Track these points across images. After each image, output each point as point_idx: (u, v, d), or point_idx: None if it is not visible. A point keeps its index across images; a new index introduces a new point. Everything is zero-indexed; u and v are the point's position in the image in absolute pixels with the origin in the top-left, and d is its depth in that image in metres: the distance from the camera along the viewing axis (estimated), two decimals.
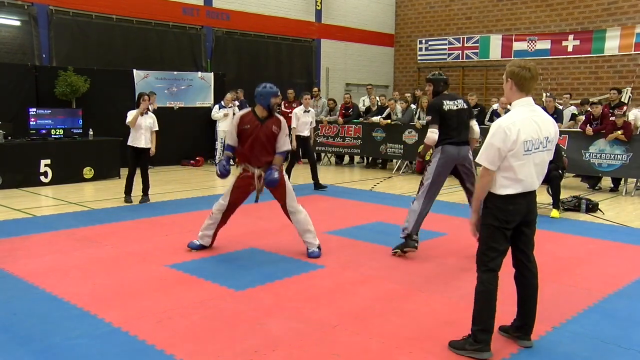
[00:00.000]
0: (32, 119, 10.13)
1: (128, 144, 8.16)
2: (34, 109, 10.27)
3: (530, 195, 3.34)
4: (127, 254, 5.50)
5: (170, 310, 4.03)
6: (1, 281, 4.64)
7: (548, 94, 12.40)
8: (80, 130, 10.64)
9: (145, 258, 5.34)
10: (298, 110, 9.80)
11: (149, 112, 8.29)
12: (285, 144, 5.42)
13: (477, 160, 3.34)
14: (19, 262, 5.13)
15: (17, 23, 12.48)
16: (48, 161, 9.78)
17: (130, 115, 8.09)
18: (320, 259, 5.35)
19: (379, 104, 13.32)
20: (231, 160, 5.61)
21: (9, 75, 11.07)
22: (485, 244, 3.34)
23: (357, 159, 14.26)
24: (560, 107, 11.25)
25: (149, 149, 8.18)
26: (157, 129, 8.32)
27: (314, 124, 10.37)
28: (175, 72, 13.36)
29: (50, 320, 3.82)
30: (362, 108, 14.11)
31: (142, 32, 14.25)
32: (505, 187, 3.26)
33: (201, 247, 5.57)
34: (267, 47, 17.03)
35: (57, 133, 10.37)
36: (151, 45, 14.38)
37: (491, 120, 11.56)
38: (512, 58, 17.21)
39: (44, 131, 10.24)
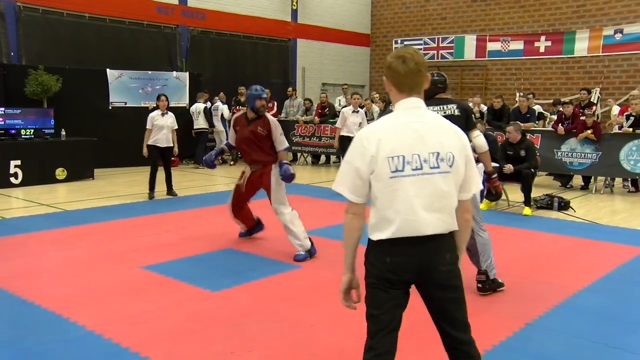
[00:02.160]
0: (1, 119, 9.92)
1: (149, 143, 8.59)
2: (3, 109, 10.06)
3: (424, 243, 2.19)
4: (100, 255, 5.43)
5: (145, 312, 3.99)
6: None
7: (521, 93, 12.63)
8: (52, 131, 10.45)
9: (120, 260, 5.28)
10: (346, 110, 9.51)
11: (168, 112, 8.76)
12: (281, 142, 5.58)
13: (333, 187, 2.33)
14: None
15: None
16: (18, 162, 9.58)
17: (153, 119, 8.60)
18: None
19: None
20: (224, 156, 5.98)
21: None
22: (366, 312, 2.38)
23: (333, 158, 14.28)
24: (534, 107, 11.44)
25: (172, 147, 8.75)
26: (176, 127, 8.92)
27: (365, 125, 9.91)
28: (150, 72, 13.22)
29: (21, 325, 3.75)
30: (338, 108, 14.13)
31: (115, 30, 14.05)
32: (375, 229, 2.25)
33: (248, 233, 6.14)
34: (243, 47, 16.95)
35: (28, 133, 10.17)
36: (125, 45, 14.18)
37: None
38: (487, 58, 17.48)
39: (13, 131, 10.03)
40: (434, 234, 2.19)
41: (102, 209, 7.77)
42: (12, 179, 9.52)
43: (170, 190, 8.96)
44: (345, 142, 9.48)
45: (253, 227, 6.14)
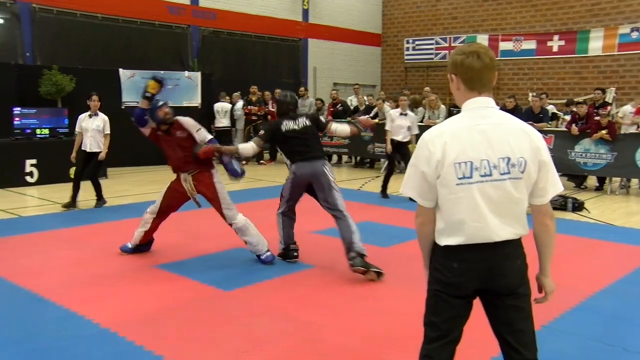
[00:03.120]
0: (17, 119, 10.02)
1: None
2: (19, 108, 10.15)
3: (493, 250, 2.10)
4: (114, 254, 5.46)
5: (158, 310, 4.01)
6: None
7: (534, 93, 12.53)
8: (67, 130, 10.53)
9: (133, 258, 5.31)
10: (393, 112, 9.10)
11: (99, 114, 7.93)
12: (204, 135, 5.22)
13: (401, 190, 2.27)
14: (4, 263, 5.07)
15: (0, 21, 12.32)
16: (34, 161, 9.67)
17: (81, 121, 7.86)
18: (309, 259, 5.34)
19: (367, 103, 13.34)
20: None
21: None
22: (425, 317, 2.28)
23: (345, 158, 14.27)
24: (547, 107, 11.35)
25: (98, 153, 7.85)
26: (108, 131, 7.96)
27: (415, 130, 8.99)
28: (161, 72, 13.24)
29: (37, 322, 3.79)
30: (351, 105, 14.13)
31: (127, 31, 14.14)
32: (443, 235, 2.15)
33: (133, 250, 5.38)
34: (254, 47, 16.98)
35: (43, 133, 10.26)
36: (137, 45, 14.27)
37: None
38: (499, 58, 17.38)
39: (28, 131, 10.12)
40: (503, 241, 2.09)
41: (114, 208, 7.82)
42: (28, 178, 9.61)
43: (99, 199, 8.05)
44: (392, 145, 8.98)
45: (146, 243, 5.49)
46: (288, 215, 5.54)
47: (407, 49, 19.71)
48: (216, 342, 3.50)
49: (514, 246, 2.14)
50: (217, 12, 15.88)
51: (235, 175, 5.21)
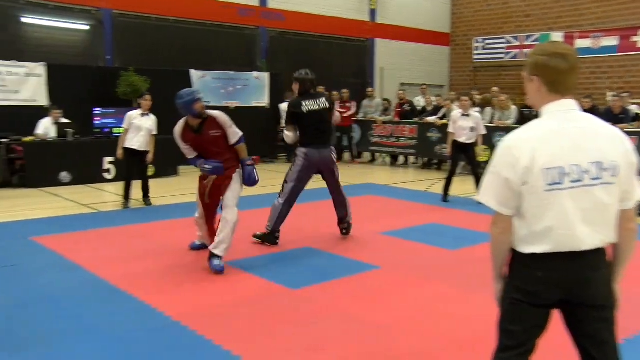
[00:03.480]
0: (97, 118, 10.54)
1: (125, 146, 7.81)
2: (99, 109, 10.68)
3: (581, 258, 2.00)
4: (185, 250, 5.64)
5: (228, 306, 4.10)
6: (71, 273, 4.85)
7: (613, 93, 11.93)
8: None
9: (203, 254, 5.45)
10: (455, 114, 8.86)
11: (150, 114, 7.99)
12: (234, 135, 5.08)
13: (479, 198, 2.14)
14: (85, 255, 5.35)
15: (86, 27, 13.03)
16: (111, 159, 10.14)
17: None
18: (376, 260, 5.31)
19: (435, 104, 13.14)
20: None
21: (77, 76, 11.59)
22: (501, 324, 2.20)
23: (412, 159, 14.11)
24: (630, 107, 10.78)
25: (147, 152, 7.87)
26: (156, 132, 8.00)
27: (482, 131, 8.67)
28: (231, 72, 13.60)
29: (113, 312, 3.96)
30: (418, 106, 13.96)
31: (199, 33, 14.58)
32: (527, 242, 2.05)
33: (203, 246, 5.43)
34: (321, 47, 17.08)
35: (120, 131, 10.71)
36: (208, 46, 14.68)
37: None
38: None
39: (107, 130, 10.62)
40: (591, 249, 2.00)
41: (185, 205, 8.06)
42: (106, 175, 10.10)
43: (145, 197, 8.12)
44: (454, 148, 8.70)
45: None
46: (289, 204, 5.71)
47: (477, 48, 19.25)
48: (283, 340, 3.55)
49: (601, 255, 2.04)
50: (285, 13, 16.09)
51: (251, 181, 5.13)
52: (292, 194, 5.73)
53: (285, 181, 5.76)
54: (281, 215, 5.70)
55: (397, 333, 3.66)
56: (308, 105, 5.65)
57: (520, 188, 1.99)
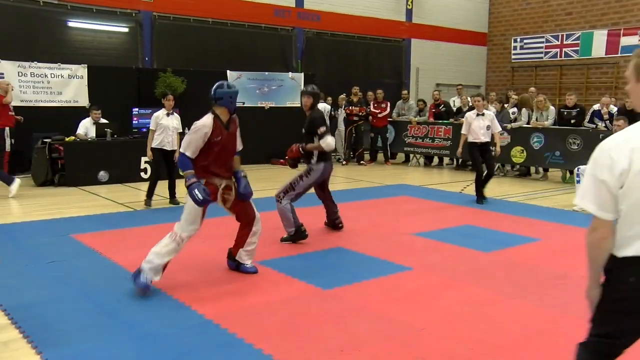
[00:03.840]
0: (135, 118, 10.77)
1: (153, 146, 7.83)
2: (137, 109, 10.91)
3: None
4: (217, 249, 5.70)
5: (260, 305, 4.14)
6: (107, 270, 4.98)
7: None
8: (179, 130, 11.15)
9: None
10: (469, 115, 8.83)
11: (174, 113, 8.06)
12: (240, 142, 4.86)
13: (577, 202, 2.12)
14: (122, 253, 5.47)
15: (126, 30, 13.36)
16: (147, 158, 10.33)
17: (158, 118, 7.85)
18: (407, 261, 5.28)
19: (471, 104, 12.95)
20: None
21: (116, 77, 11.93)
22: (592, 329, 2.17)
23: (446, 160, 13.96)
24: None
25: (175, 151, 7.74)
26: (181, 130, 8.00)
27: (497, 128, 8.72)
28: (266, 73, 13.71)
29: (148, 309, 4.04)
30: (454, 108, 13.81)
31: (235, 33, 14.75)
32: (620, 246, 2.02)
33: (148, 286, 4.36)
34: (357, 48, 17.06)
35: None
36: (244, 47, 14.85)
37: (591, 121, 10.93)
38: (619, 55, 16.20)
39: (144, 130, 10.83)
40: None
41: (217, 205, 8.16)
42: (142, 174, 10.30)
43: (172, 198, 8.21)
44: (471, 149, 8.66)
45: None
46: (292, 203, 5.94)
47: (515, 47, 18.93)
48: (314, 339, 3.56)
49: None
50: (321, 14, 16.13)
51: (248, 193, 4.81)
52: (296, 198, 6.01)
53: (293, 189, 5.95)
54: (293, 211, 5.92)
55: (432, 336, 3.63)
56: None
57: (617, 191, 1.96)
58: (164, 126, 7.81)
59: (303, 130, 6.11)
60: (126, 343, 3.48)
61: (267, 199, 8.70)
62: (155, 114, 7.90)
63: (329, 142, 5.89)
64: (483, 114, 8.64)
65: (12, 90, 9.70)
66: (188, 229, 4.52)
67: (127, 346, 3.43)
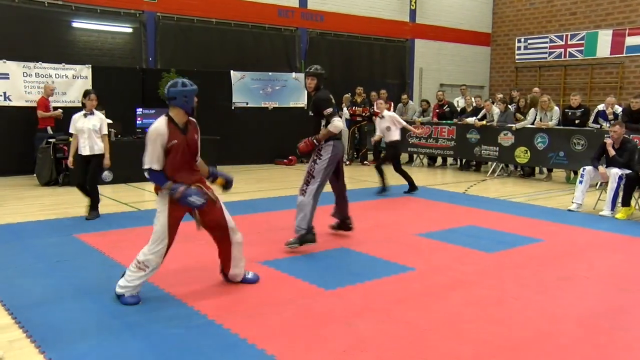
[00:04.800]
0: (139, 118, 10.79)
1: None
2: (141, 109, 10.93)
3: None
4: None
5: (262, 306, 4.13)
6: (112, 270, 4.98)
7: None
8: None
9: None
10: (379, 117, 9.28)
11: (95, 113, 7.13)
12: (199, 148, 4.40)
13: None
14: (126, 254, 5.47)
15: (130, 30, 13.38)
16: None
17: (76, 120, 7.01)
18: (411, 262, 5.27)
19: (475, 105, 12.94)
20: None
21: (120, 78, 11.97)
22: None
23: (450, 160, 13.94)
24: None
25: (98, 155, 7.03)
26: (106, 132, 7.17)
27: (401, 124, 9.29)
28: (270, 73, 13.71)
29: (151, 309, 4.04)
30: (456, 109, 13.80)
31: (239, 34, 14.76)
32: None
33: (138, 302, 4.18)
34: (360, 48, 17.05)
35: None
36: (247, 47, 14.86)
37: (596, 122, 10.89)
38: (624, 55, 16.14)
39: (148, 130, 10.85)
40: None
41: (226, 205, 8.17)
42: (146, 174, 10.28)
43: (93, 210, 7.09)
44: (388, 149, 9.38)
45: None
46: (317, 199, 5.67)
47: (519, 48, 18.89)
48: (318, 340, 3.55)
49: None
50: (324, 14, 16.13)
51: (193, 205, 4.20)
52: (320, 188, 5.67)
53: (312, 176, 5.62)
54: (313, 210, 5.63)
55: (437, 336, 3.61)
56: (330, 97, 5.80)
57: None
58: (78, 129, 6.96)
59: (310, 113, 5.89)
60: (130, 343, 3.48)
61: (268, 199, 8.73)
62: (74, 117, 7.06)
63: (336, 124, 5.57)
64: (383, 116, 9.09)
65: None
66: (157, 250, 4.19)
67: (131, 346, 3.44)
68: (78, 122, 6.99)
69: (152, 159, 4.15)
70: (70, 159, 7.20)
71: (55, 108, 10.71)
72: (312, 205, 5.63)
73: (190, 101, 4.19)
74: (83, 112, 7.09)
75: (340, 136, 5.87)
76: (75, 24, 12.66)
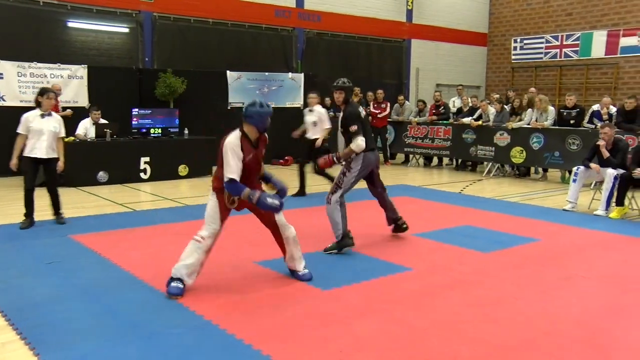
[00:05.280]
0: (135, 119, 10.76)
1: (26, 154, 6.50)
2: (137, 109, 10.90)
3: None
4: (218, 249, 5.67)
5: (259, 306, 4.12)
6: (108, 271, 4.96)
7: None
8: (177, 130, 11.16)
9: (235, 254, 5.51)
10: (305, 110, 9.09)
11: (53, 114, 6.76)
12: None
13: None
14: (122, 254, 5.46)
15: (126, 30, 13.34)
16: (147, 159, 10.34)
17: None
18: (407, 262, 5.27)
19: (471, 105, 12.96)
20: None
21: (117, 78, 11.93)
22: None
23: (445, 160, 13.95)
24: None
25: (55, 159, 6.65)
26: (63, 134, 6.77)
27: (326, 124, 8.81)
28: (266, 73, 13.70)
29: (151, 310, 4.03)
30: (452, 109, 13.81)
31: (236, 34, 14.74)
32: None
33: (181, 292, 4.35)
34: (358, 48, 17.06)
35: (156, 132, 10.94)
36: (244, 47, 14.84)
37: (590, 122, 10.92)
38: (618, 55, 16.20)
39: (144, 130, 10.83)
40: None
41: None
42: (142, 174, 10.30)
43: (57, 214, 6.80)
44: (304, 146, 8.96)
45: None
46: (345, 207, 5.70)
47: (515, 48, 18.93)
48: (314, 340, 3.54)
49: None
50: (321, 14, 16.12)
51: (273, 208, 4.45)
52: (344, 196, 5.75)
53: (339, 187, 5.67)
54: (344, 216, 5.65)
55: (435, 337, 3.61)
56: (361, 110, 5.74)
57: None
58: (36, 130, 6.44)
59: (340, 128, 5.81)
60: (127, 344, 3.46)
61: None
62: (26, 115, 6.51)
63: (358, 143, 5.47)
64: (312, 110, 8.84)
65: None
66: (211, 229, 4.60)
67: (129, 347, 3.42)
68: (33, 122, 6.45)
69: (232, 170, 4.36)
70: (15, 160, 6.52)
71: (65, 108, 10.65)
72: (340, 211, 5.63)
73: (265, 121, 4.48)
74: (38, 112, 6.54)
75: (375, 147, 5.85)
76: (71, 24, 12.62)
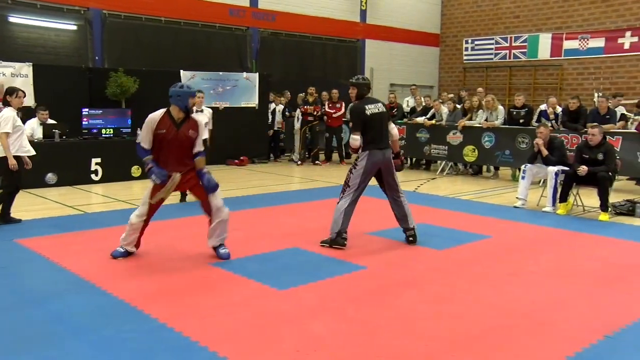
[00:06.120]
0: (85, 119, 10.47)
1: (15, 153, 6.52)
2: (87, 109, 10.61)
3: None
4: (171, 251, 5.61)
5: (214, 308, 4.08)
6: (56, 275, 4.81)
7: (600, 94, 12.02)
8: (129, 130, 10.91)
9: (190, 256, 5.44)
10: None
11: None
12: (201, 145, 5.21)
13: None
14: (71, 258, 5.30)
15: (74, 27, 12.97)
16: (99, 160, 10.08)
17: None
18: (362, 260, 5.32)
19: (424, 104, 13.17)
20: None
21: (65, 77, 11.52)
22: None
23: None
24: (617, 109, 10.85)
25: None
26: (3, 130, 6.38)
27: (209, 126, 8.91)
28: (220, 73, 13.56)
29: (102, 314, 3.93)
30: (406, 109, 13.99)
31: (189, 33, 14.55)
32: None
33: (127, 254, 5.30)
34: (312, 48, 17.11)
35: (108, 132, 10.68)
36: (198, 46, 14.66)
37: (539, 121, 11.27)
38: (562, 57, 16.81)
39: (95, 130, 10.56)
40: None
41: (173, 207, 8.03)
42: (93, 176, 10.03)
43: (3, 216, 6.67)
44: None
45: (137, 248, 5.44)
46: (354, 205, 5.73)
47: (467, 49, 19.36)
48: (270, 341, 3.54)
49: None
50: (276, 14, 16.09)
51: (212, 185, 5.16)
52: (356, 195, 5.77)
53: (348, 185, 5.74)
54: (347, 216, 5.69)
55: (390, 334, 3.65)
56: (370, 108, 5.67)
57: None
58: (22, 128, 6.65)
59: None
60: (78, 350, 3.37)
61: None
62: (10, 115, 6.41)
63: (351, 139, 5.71)
64: (202, 111, 8.83)
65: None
66: (139, 210, 5.25)
67: (80, 353, 3.32)
68: (18, 120, 6.53)
69: (143, 137, 5.05)
70: (13, 160, 6.51)
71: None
72: (344, 212, 5.67)
73: (183, 100, 5.03)
74: (13, 109, 6.50)
75: (383, 146, 5.75)
76: (12, 19, 12.17)
